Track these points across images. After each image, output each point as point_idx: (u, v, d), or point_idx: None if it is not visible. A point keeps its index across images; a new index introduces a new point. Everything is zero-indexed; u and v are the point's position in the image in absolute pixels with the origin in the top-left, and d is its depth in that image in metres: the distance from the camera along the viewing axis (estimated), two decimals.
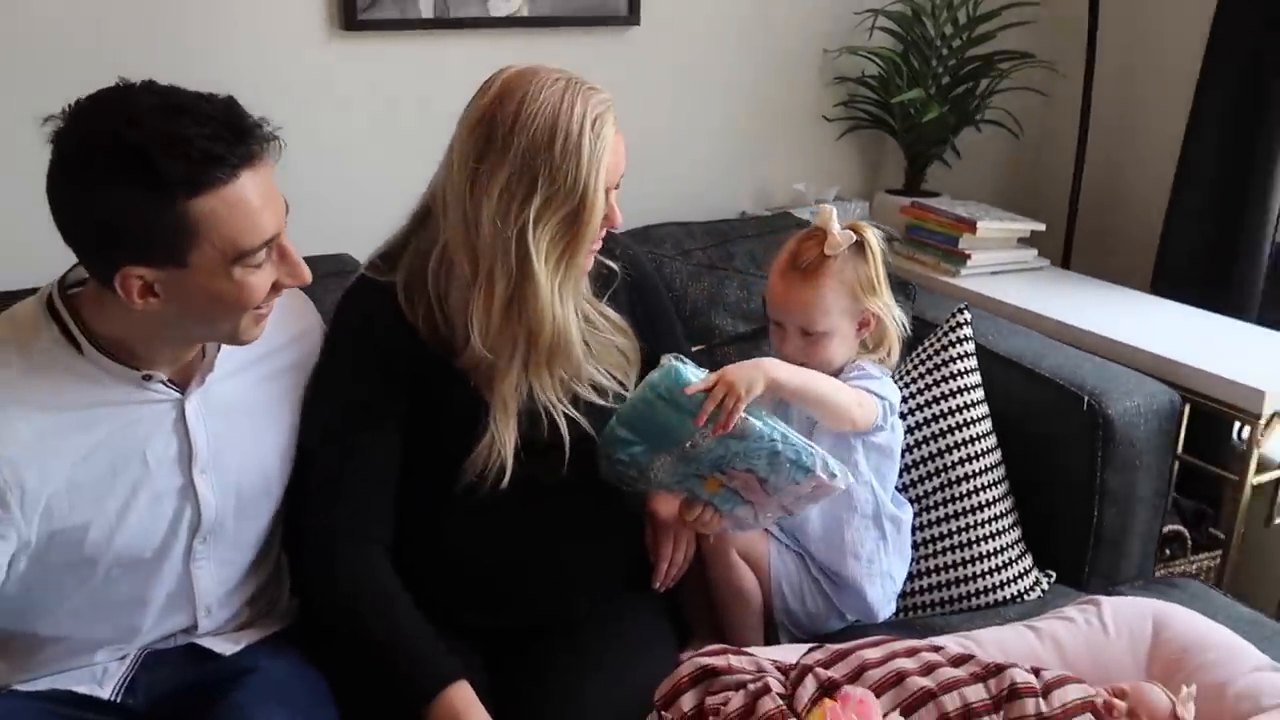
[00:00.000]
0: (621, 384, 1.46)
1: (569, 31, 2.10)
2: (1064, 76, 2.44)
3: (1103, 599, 1.40)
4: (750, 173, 2.39)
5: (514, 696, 1.37)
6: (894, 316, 1.52)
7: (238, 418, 1.33)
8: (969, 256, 2.20)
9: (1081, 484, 1.66)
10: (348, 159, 1.99)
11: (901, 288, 1.95)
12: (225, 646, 1.35)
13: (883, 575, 1.54)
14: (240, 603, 1.39)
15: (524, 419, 1.39)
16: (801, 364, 1.47)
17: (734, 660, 1.24)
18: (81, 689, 1.27)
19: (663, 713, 1.21)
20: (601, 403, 1.43)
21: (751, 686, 1.18)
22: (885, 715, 1.07)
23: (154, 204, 1.08)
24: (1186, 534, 2.06)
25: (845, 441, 1.48)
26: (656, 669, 1.42)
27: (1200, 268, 2.19)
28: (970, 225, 2.19)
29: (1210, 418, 1.81)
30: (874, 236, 1.50)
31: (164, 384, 1.25)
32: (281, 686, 1.26)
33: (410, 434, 1.40)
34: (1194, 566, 2.05)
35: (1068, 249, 2.50)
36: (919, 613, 1.62)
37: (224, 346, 1.29)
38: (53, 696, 1.26)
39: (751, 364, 1.35)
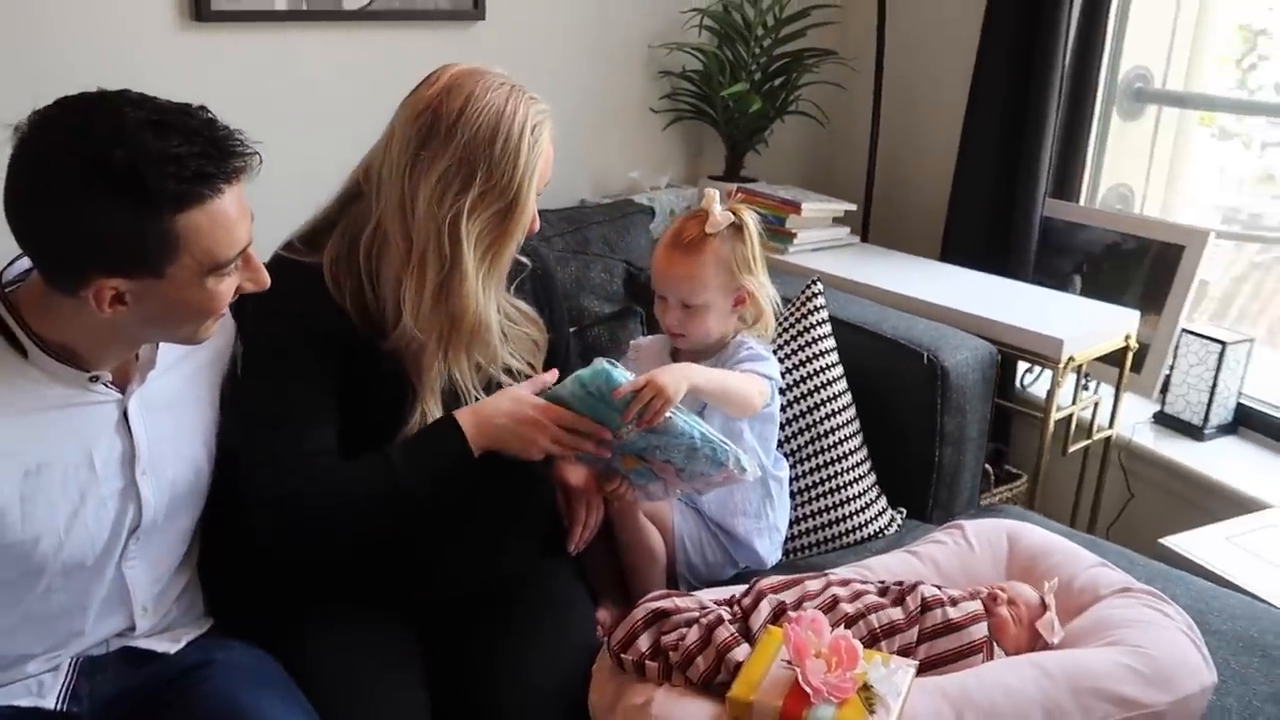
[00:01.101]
0: (532, 367, 1.55)
1: (418, 25, 2.14)
2: (857, 71, 2.71)
3: (965, 523, 1.63)
4: (586, 162, 2.52)
5: (455, 664, 1.43)
6: (768, 294, 1.67)
7: (171, 414, 1.32)
8: (795, 235, 2.42)
9: (924, 430, 1.90)
10: None
11: None
12: (166, 645, 1.33)
13: (770, 529, 1.70)
14: (171, 599, 1.38)
15: (444, 399, 1.45)
16: (681, 335, 1.62)
17: (679, 601, 1.37)
18: (23, 703, 1.23)
19: (621, 655, 1.32)
20: (511, 384, 1.51)
21: (704, 620, 1.31)
22: (841, 632, 1.22)
23: (139, 219, 1.08)
24: (990, 470, 2.38)
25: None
26: (585, 625, 1.54)
27: (982, 237, 2.51)
28: (795, 207, 2.41)
29: (1001, 366, 2.09)
30: (751, 219, 1.64)
31: (107, 385, 1.23)
32: (253, 671, 1.27)
33: (340, 409, 1.43)
34: (997, 498, 2.37)
35: (865, 225, 2.78)
36: (801, 554, 1.81)
37: (163, 344, 1.27)
38: None
39: (678, 369, 1.45)
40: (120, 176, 1.05)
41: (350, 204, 1.44)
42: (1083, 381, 2.32)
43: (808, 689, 1.15)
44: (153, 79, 1.85)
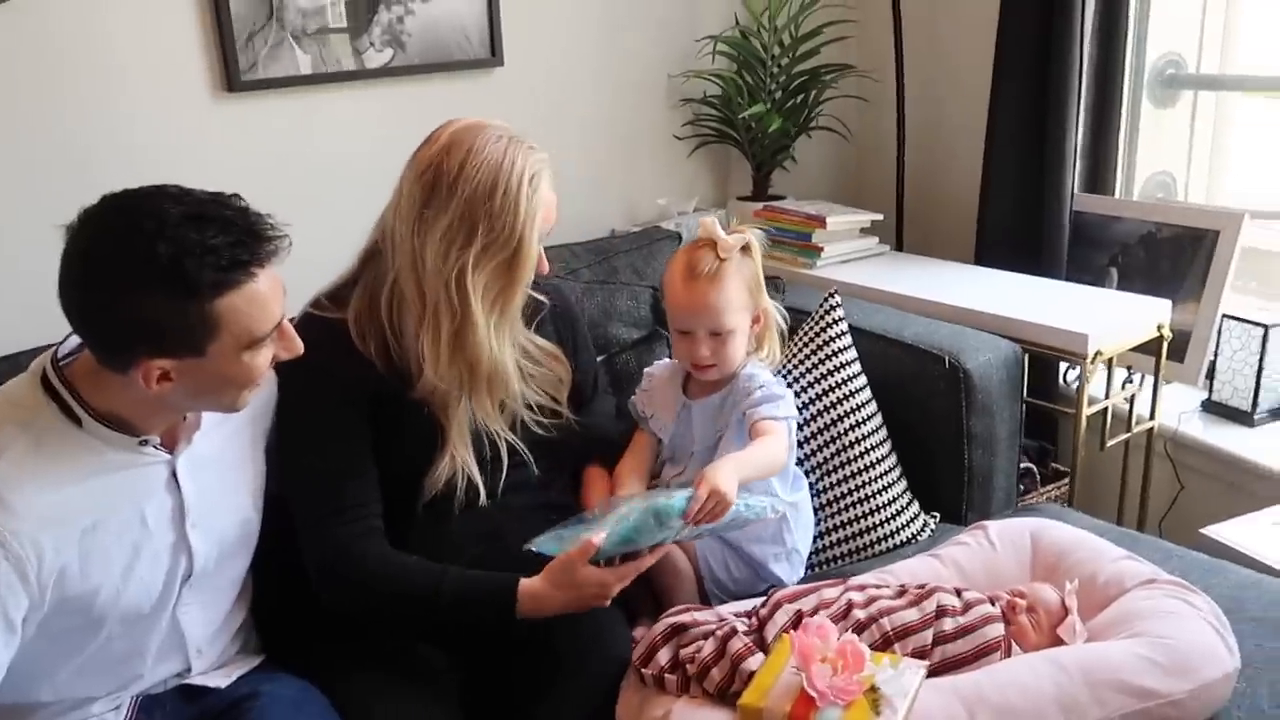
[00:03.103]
0: (555, 400, 1.61)
1: (437, 77, 2.23)
2: (879, 83, 2.73)
3: (988, 523, 1.64)
4: (615, 193, 2.58)
5: (491, 691, 1.49)
6: (774, 316, 1.71)
7: (217, 470, 1.41)
8: (822, 249, 2.45)
9: (952, 433, 1.91)
10: None
11: (771, 283, 2.18)
12: (218, 680, 1.42)
13: (788, 552, 1.70)
14: (226, 639, 1.47)
15: (472, 439, 1.52)
16: (711, 365, 1.63)
17: (698, 615, 1.42)
18: None
19: (642, 669, 1.36)
20: (538, 419, 1.58)
21: (719, 632, 1.35)
22: (847, 636, 1.25)
23: (183, 307, 1.17)
24: (1035, 470, 2.37)
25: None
26: (620, 646, 1.58)
27: (1013, 238, 2.51)
28: (820, 221, 2.44)
29: (1042, 366, 2.10)
30: (755, 239, 1.68)
31: (156, 447, 1.32)
32: (295, 702, 1.36)
33: (375, 455, 1.50)
34: (1044, 497, 2.35)
35: (899, 234, 2.79)
36: (833, 565, 1.83)
37: None
38: None
39: (727, 469, 1.42)
40: (165, 270, 1.14)
41: (370, 261, 1.52)
42: (1127, 375, 2.30)
43: (813, 693, 1.18)
44: (193, 146, 2.01)
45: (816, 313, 1.94)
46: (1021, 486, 2.36)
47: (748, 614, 1.42)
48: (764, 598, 1.45)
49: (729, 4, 2.56)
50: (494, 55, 2.28)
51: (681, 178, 2.68)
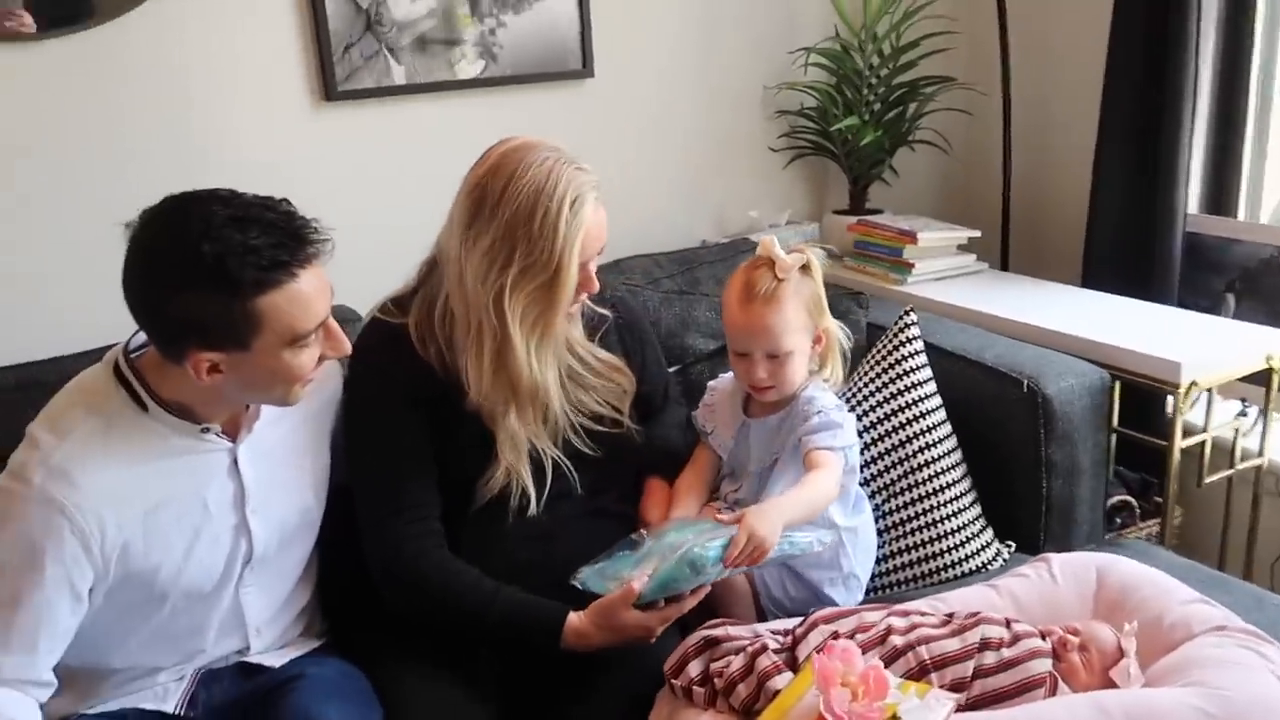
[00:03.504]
0: (617, 410, 1.63)
1: (529, 88, 2.28)
2: (985, 95, 2.65)
3: (1052, 555, 1.57)
4: (707, 204, 2.58)
5: (530, 684, 1.50)
6: (836, 335, 1.67)
7: (279, 460, 1.48)
8: (913, 265, 2.39)
9: (1029, 460, 1.83)
10: (334, 216, 2.12)
11: (855, 298, 2.15)
12: (273, 660, 1.49)
13: (845, 577, 1.66)
14: (286, 622, 1.54)
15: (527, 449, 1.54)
16: (769, 387, 1.60)
17: (732, 630, 1.40)
18: (148, 705, 1.40)
19: (673, 680, 1.36)
20: (597, 428, 1.59)
21: (750, 648, 1.34)
22: (873, 662, 1.22)
23: (226, 303, 1.24)
24: (1134, 503, 2.25)
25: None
26: (665, 653, 1.57)
27: (1122, 260, 2.39)
28: (912, 236, 2.38)
29: (1146, 394, 1.99)
30: (815, 257, 1.63)
31: (218, 435, 1.40)
32: (333, 685, 1.40)
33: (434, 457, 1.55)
34: (1144, 532, 2.23)
35: (1005, 252, 2.70)
36: (896, 589, 1.78)
37: None
38: (121, 715, 1.39)
39: (771, 515, 1.41)
40: (210, 268, 1.22)
41: (431, 272, 1.56)
42: (1241, 409, 2.16)
43: (829, 718, 1.16)
44: (292, 154, 2.10)
45: (891, 330, 1.90)
46: (1118, 520, 2.25)
47: (785, 632, 1.40)
48: (804, 617, 1.43)
49: (829, 15, 2.53)
50: (585, 67, 2.32)
51: (776, 190, 2.66)
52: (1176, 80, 2.21)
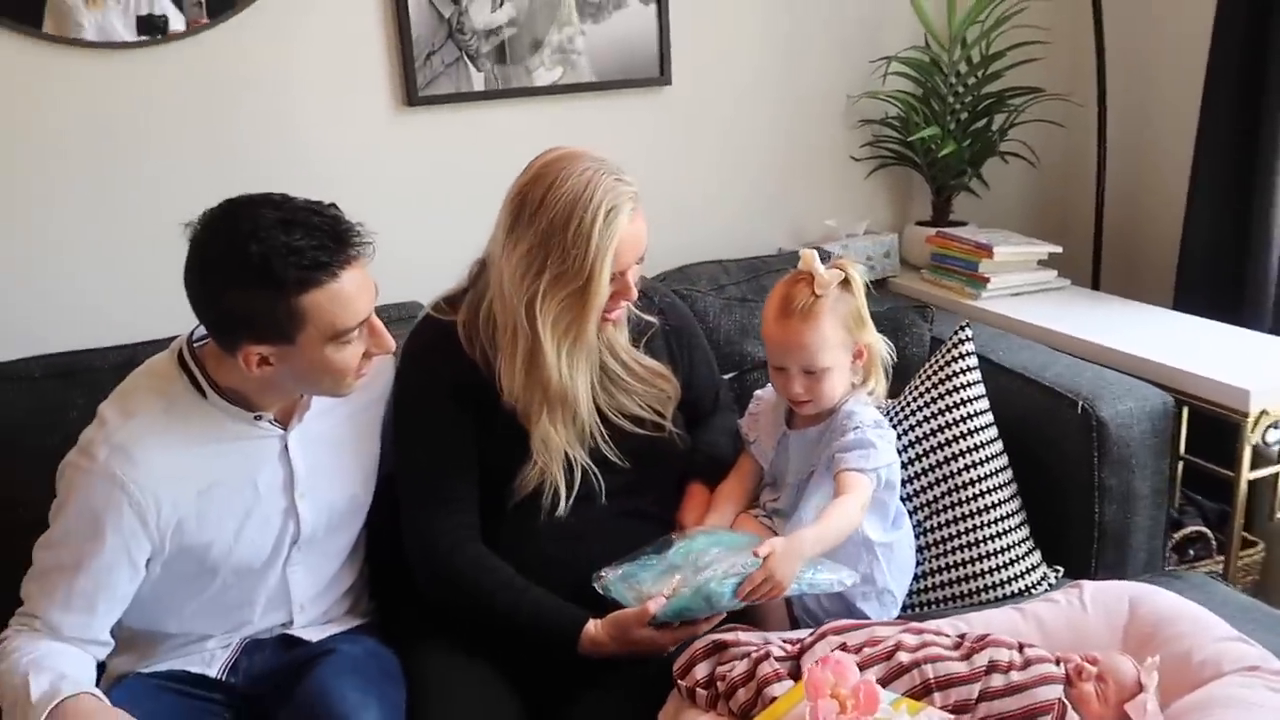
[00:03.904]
0: (660, 415, 1.66)
1: (606, 94, 2.33)
2: (1081, 107, 2.57)
3: (1086, 583, 1.53)
4: (784, 212, 2.58)
5: (553, 690, 1.54)
6: (879, 349, 1.65)
7: (329, 448, 1.57)
8: (989, 280, 2.35)
9: (1082, 484, 1.78)
10: (414, 216, 2.23)
11: (920, 311, 2.13)
12: (313, 634, 1.58)
13: (879, 592, 1.64)
14: (330, 601, 1.63)
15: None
16: (807, 401, 1.60)
17: (742, 635, 1.42)
18: (194, 669, 1.51)
19: (680, 681, 1.39)
20: (637, 431, 1.63)
21: (755, 654, 1.35)
22: (876, 680, 1.23)
23: (272, 299, 1.33)
24: (1210, 535, 2.15)
25: None
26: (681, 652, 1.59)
27: (1214, 281, 2.29)
28: (988, 250, 2.34)
29: (1222, 421, 1.90)
30: (855, 272, 1.62)
31: (271, 422, 1.50)
32: (356, 662, 1.48)
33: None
34: (1220, 566, 2.13)
35: (1096, 270, 2.61)
36: (934, 608, 1.76)
37: None
38: (170, 675, 1.50)
39: (790, 551, 1.41)
40: (257, 267, 1.31)
41: (481, 272, 1.62)
42: None
43: None
44: (376, 156, 2.21)
45: (946, 344, 1.87)
46: (1191, 551, 2.17)
47: (794, 641, 1.41)
48: (814, 627, 1.43)
49: (917, 23, 2.49)
50: (663, 74, 2.35)
51: (856, 199, 2.64)
52: (1277, 91, 2.11)
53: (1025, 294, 2.38)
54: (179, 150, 2.04)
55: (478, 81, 2.20)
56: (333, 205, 1.39)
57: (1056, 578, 1.80)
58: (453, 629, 1.58)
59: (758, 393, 1.80)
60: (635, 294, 1.58)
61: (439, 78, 2.17)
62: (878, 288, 2.55)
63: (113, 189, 2.02)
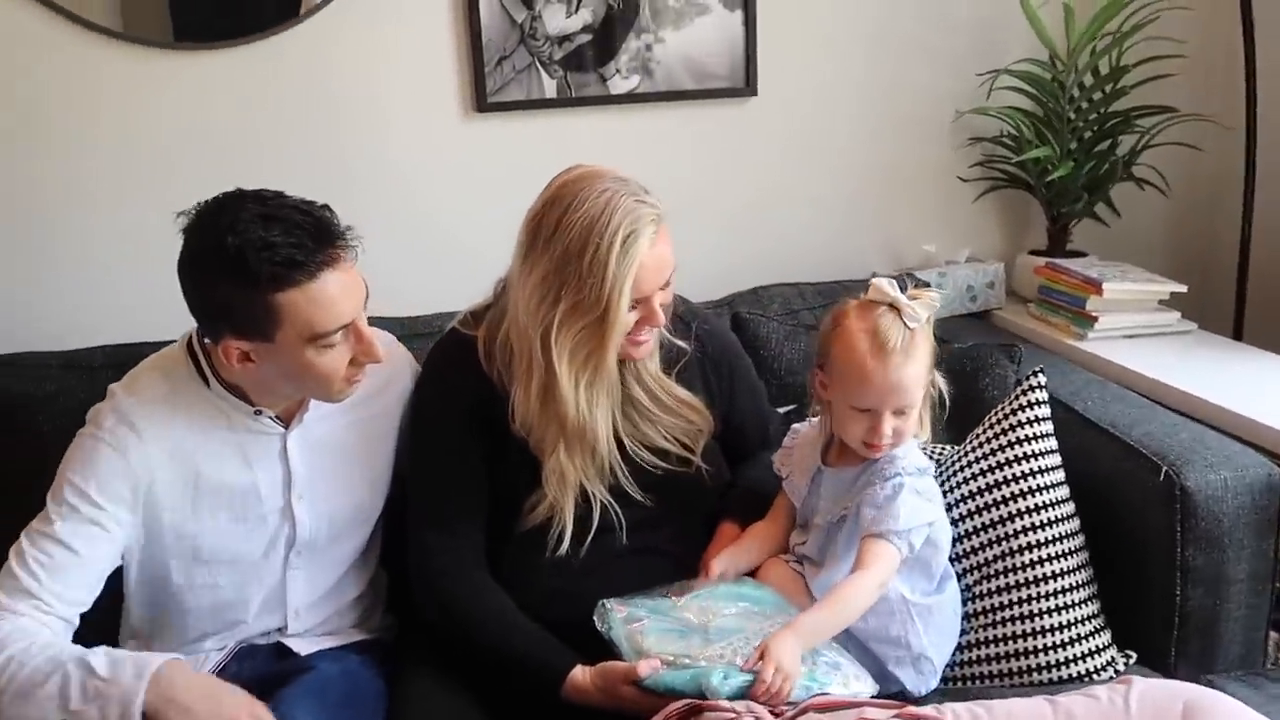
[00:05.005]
0: (689, 450, 1.55)
1: (686, 104, 2.23)
2: (1228, 130, 2.29)
3: (1137, 679, 1.32)
4: (878, 235, 2.41)
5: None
6: (940, 385, 1.50)
7: (332, 454, 1.54)
8: (1096, 319, 2.11)
9: (1163, 561, 1.56)
10: (486, 222, 2.17)
11: (1006, 350, 1.93)
12: (303, 646, 1.55)
13: (915, 658, 1.50)
14: (330, 611, 1.59)
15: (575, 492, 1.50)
16: (892, 445, 1.45)
17: (724, 700, 1.29)
18: None
19: None
20: (661, 464, 1.52)
21: (728, 718, 1.23)
22: None
23: (247, 294, 1.31)
24: None
25: None
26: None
27: None
28: (1096, 286, 2.10)
29: None
30: (935, 301, 1.47)
31: (271, 419, 1.48)
32: (325, 684, 1.44)
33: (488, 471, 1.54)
34: None
35: (1239, 316, 2.32)
36: (973, 683, 1.58)
37: None
38: None
39: (795, 639, 1.33)
40: (231, 260, 1.29)
41: (505, 291, 1.54)
42: None
43: None
44: (446, 161, 2.18)
45: (1015, 391, 1.68)
46: None
47: (778, 713, 1.28)
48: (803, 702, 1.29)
49: (1032, 35, 2.27)
50: (748, 85, 2.23)
51: (961, 224, 2.44)
52: None
53: (1141, 337, 2.13)
54: (250, 151, 2.07)
55: (549, 89, 2.14)
56: (325, 207, 1.36)
57: (1126, 664, 1.58)
58: (446, 656, 1.52)
59: (795, 426, 1.67)
60: (662, 320, 1.48)
61: (510, 84, 2.13)
62: (978, 321, 2.35)
63: (202, 189, 2.06)
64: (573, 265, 1.38)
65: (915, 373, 1.42)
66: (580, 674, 1.39)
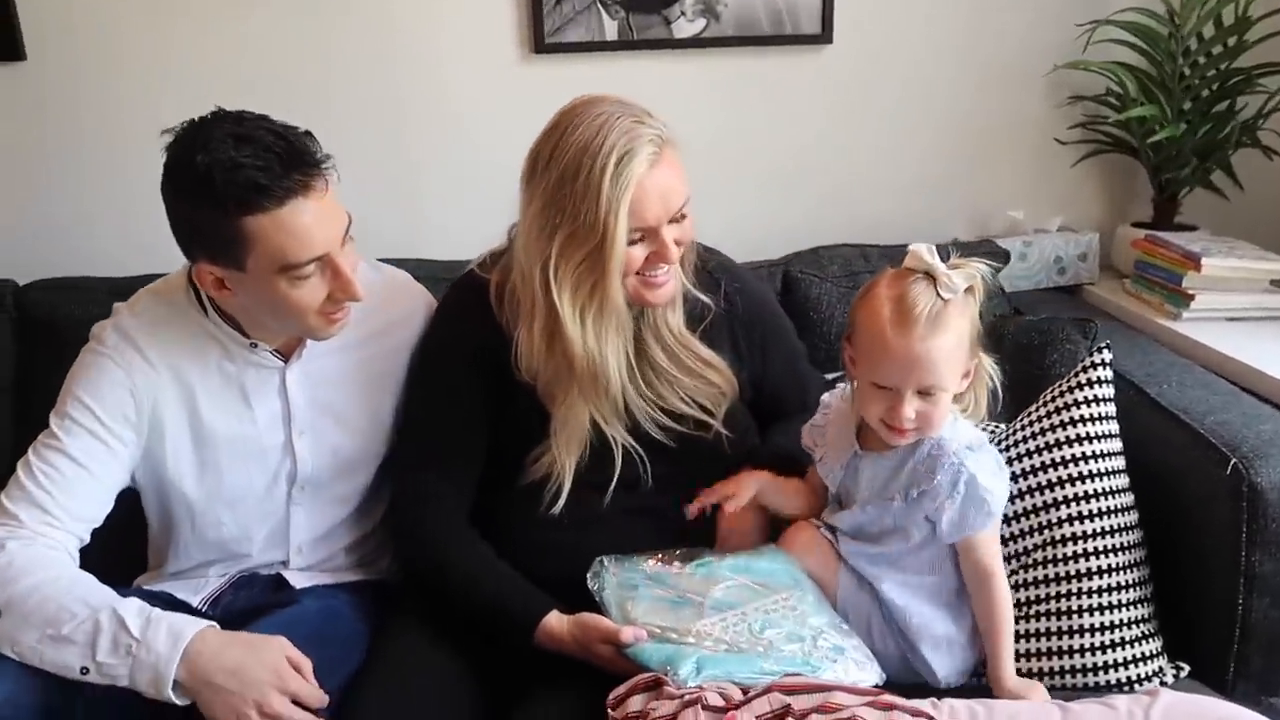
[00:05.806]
0: (709, 414, 1.46)
1: (755, 51, 2.10)
2: None
3: (1165, 691, 1.19)
4: (960, 198, 2.24)
5: (508, 687, 1.39)
6: (987, 370, 1.36)
7: (336, 390, 1.51)
8: (1193, 297, 1.91)
9: (1226, 564, 1.40)
10: None
11: (1080, 326, 1.76)
12: (299, 580, 1.53)
13: (948, 642, 1.38)
14: (332, 549, 1.57)
15: (593, 443, 1.43)
16: (916, 429, 1.32)
17: None
18: (181, 595, 1.49)
19: (611, 711, 1.21)
20: (676, 428, 1.44)
21: (687, 697, 1.15)
22: None
23: (215, 216, 1.28)
24: None
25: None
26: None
27: None
28: (1195, 261, 1.90)
29: None
30: (981, 276, 1.32)
31: (270, 353, 1.46)
32: (303, 618, 1.40)
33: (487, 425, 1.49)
34: None
35: None
36: None
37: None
38: (159, 596, 1.46)
39: (1009, 690, 1.32)
40: (200, 178, 1.26)
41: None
42: None
43: None
44: (503, 103, 2.12)
45: (1076, 368, 1.52)
46: None
47: (744, 690, 1.18)
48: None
49: None
50: (824, 31, 2.09)
51: (1055, 189, 2.25)
52: None
53: (1244, 320, 1.92)
54: (304, 93, 2.03)
55: (610, 30, 2.06)
56: (307, 133, 1.31)
57: (1177, 677, 1.42)
58: (433, 604, 1.48)
59: (825, 398, 1.52)
60: (675, 256, 1.38)
61: (569, 24, 2.05)
62: (1066, 295, 2.17)
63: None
64: (567, 189, 1.30)
65: (943, 347, 1.27)
66: (556, 620, 1.34)
